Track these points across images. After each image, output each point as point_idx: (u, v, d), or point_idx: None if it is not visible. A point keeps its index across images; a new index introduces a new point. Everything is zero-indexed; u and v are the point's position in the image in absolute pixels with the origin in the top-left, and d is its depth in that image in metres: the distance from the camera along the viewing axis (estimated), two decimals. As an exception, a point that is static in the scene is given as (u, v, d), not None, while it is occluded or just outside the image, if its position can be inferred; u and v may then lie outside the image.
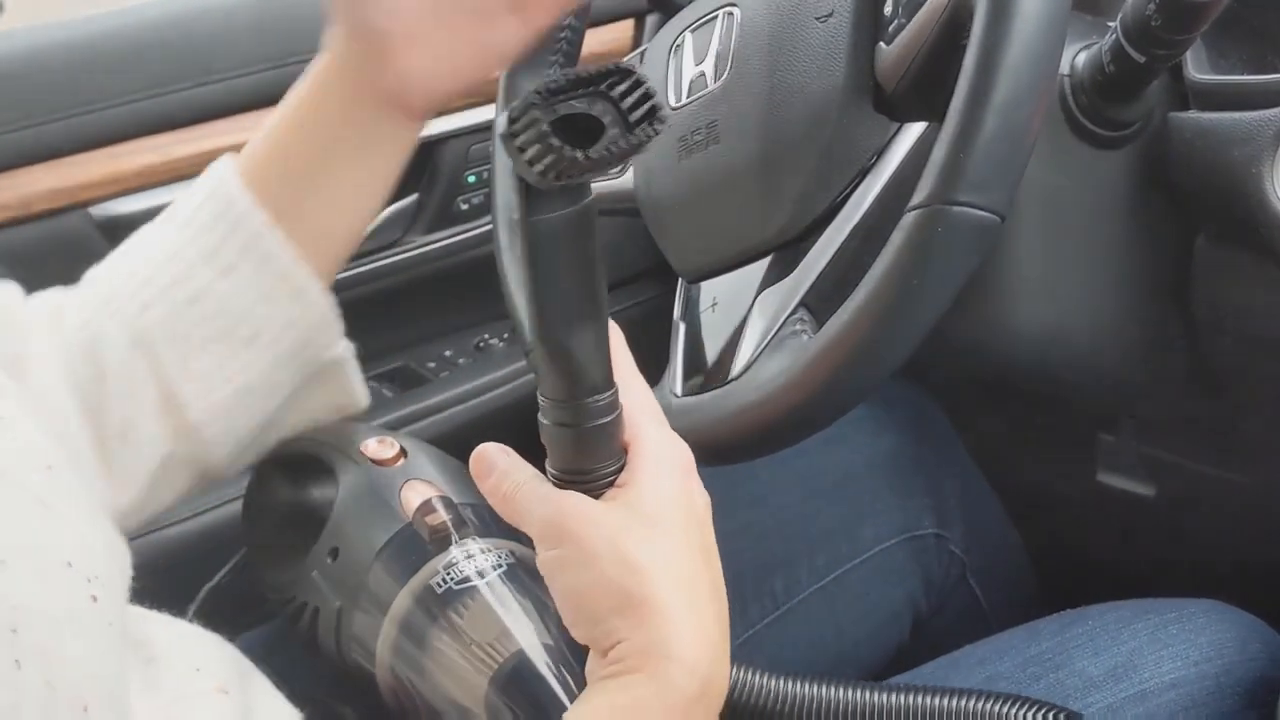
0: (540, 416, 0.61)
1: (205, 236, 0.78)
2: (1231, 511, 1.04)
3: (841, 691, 0.74)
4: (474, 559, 0.77)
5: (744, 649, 1.01)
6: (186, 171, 1.23)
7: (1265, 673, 0.83)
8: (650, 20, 1.36)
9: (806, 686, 0.75)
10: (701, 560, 0.60)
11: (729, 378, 0.81)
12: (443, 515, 0.78)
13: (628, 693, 0.57)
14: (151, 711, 0.61)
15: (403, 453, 0.85)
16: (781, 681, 0.75)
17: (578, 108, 0.52)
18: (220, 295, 0.78)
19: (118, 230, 1.20)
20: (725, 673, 0.60)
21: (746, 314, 0.82)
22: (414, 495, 0.80)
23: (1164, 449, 1.05)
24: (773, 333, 0.79)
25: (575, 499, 0.60)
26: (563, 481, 0.61)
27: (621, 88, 0.53)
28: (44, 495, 0.60)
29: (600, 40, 1.37)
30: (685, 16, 0.93)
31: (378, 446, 0.85)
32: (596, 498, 0.60)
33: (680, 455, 0.62)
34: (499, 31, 0.75)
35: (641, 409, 0.62)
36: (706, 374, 0.85)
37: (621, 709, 0.57)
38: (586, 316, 0.58)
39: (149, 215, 1.20)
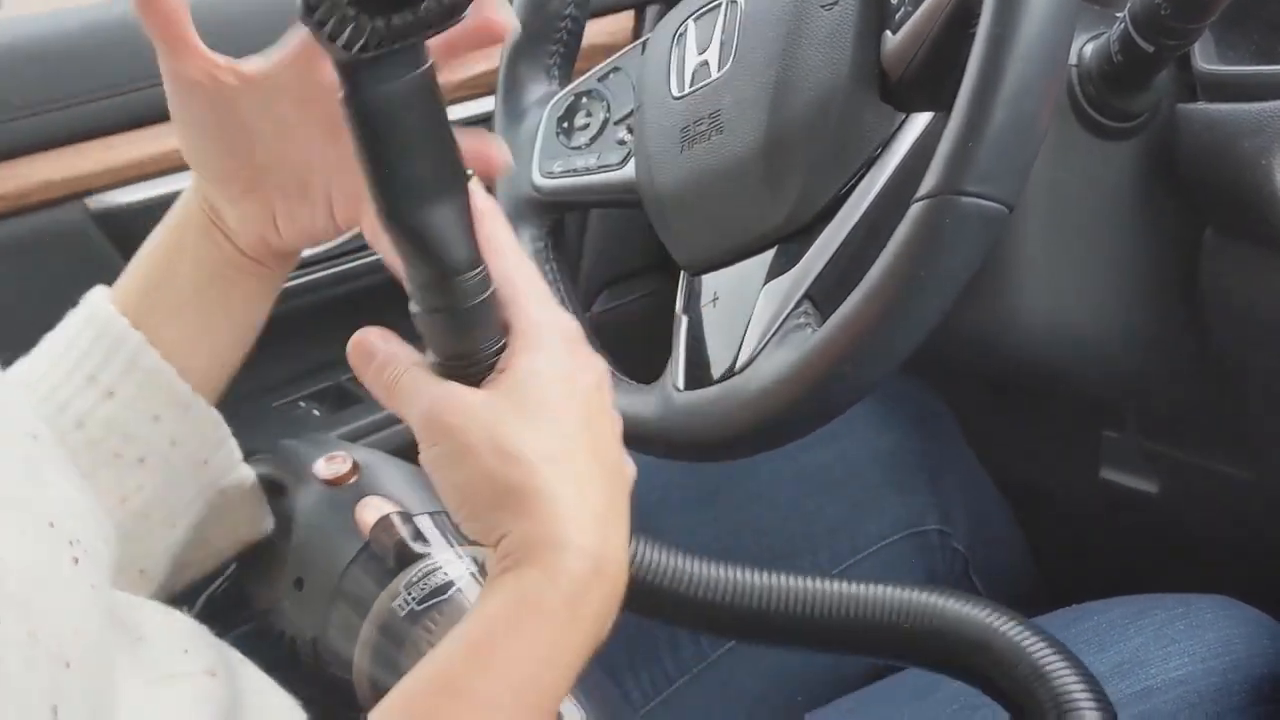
0: (410, 306, 0.59)
1: (86, 361, 0.77)
2: (1237, 507, 1.04)
3: (739, 573, 0.72)
4: (437, 573, 0.75)
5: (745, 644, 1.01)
6: (182, 163, 1.22)
7: (1273, 670, 0.83)
8: (651, 12, 1.36)
9: (707, 567, 0.72)
10: (587, 438, 0.59)
11: (732, 372, 0.80)
12: (400, 531, 0.77)
13: (520, 587, 0.56)
14: (139, 688, 0.61)
15: (355, 468, 0.83)
16: (684, 560, 0.72)
17: None
18: (105, 418, 0.76)
19: (114, 221, 1.20)
20: (620, 549, 0.59)
21: (750, 307, 0.81)
22: (370, 513, 0.79)
23: (1169, 444, 1.04)
24: (776, 326, 0.78)
25: (451, 391, 0.59)
26: (444, 368, 0.60)
27: None
28: (29, 458, 0.60)
29: (601, 31, 1.36)
30: (688, 4, 0.93)
31: (327, 465, 0.83)
32: (478, 384, 0.59)
33: (561, 329, 0.61)
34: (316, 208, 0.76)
35: (517, 285, 0.61)
36: (709, 368, 0.84)
37: (516, 606, 0.56)
38: (434, 193, 0.56)
39: (145, 206, 1.22)
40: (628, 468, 0.64)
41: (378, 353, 0.62)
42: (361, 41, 0.50)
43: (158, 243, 0.80)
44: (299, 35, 0.73)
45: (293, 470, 0.84)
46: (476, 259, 0.58)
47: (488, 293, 0.58)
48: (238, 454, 0.82)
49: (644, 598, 0.70)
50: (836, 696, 0.94)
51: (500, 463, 0.57)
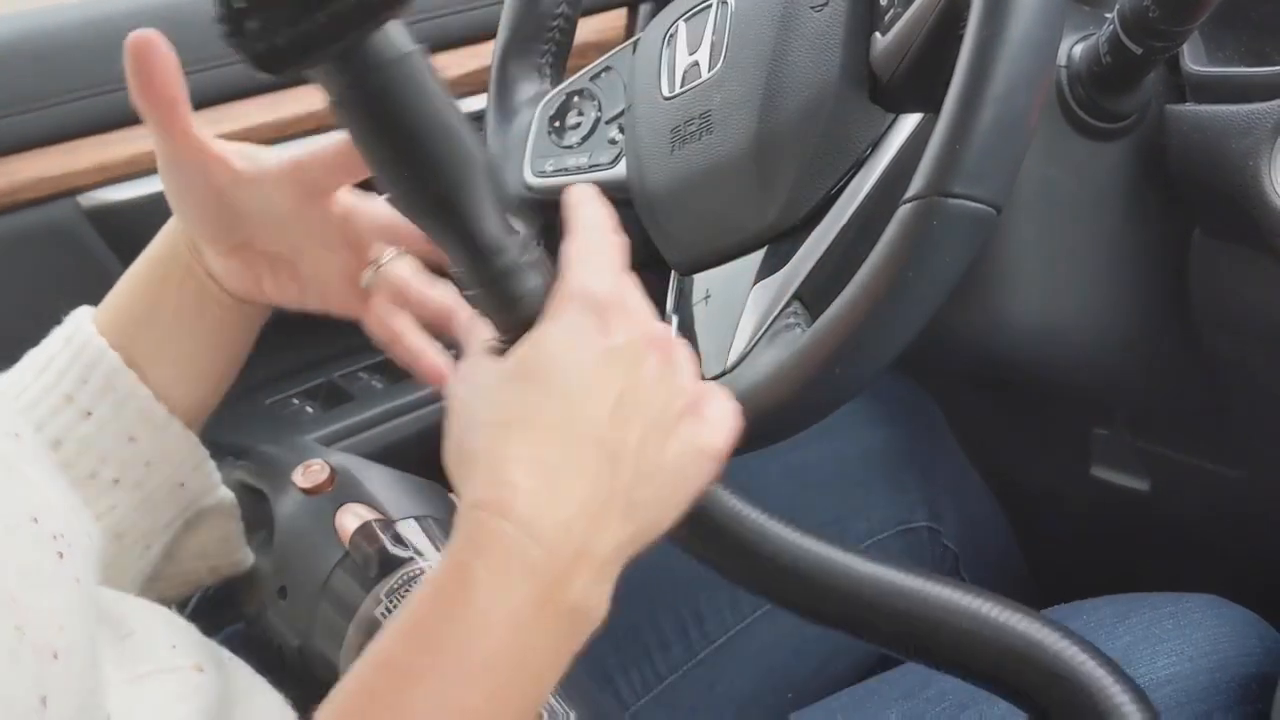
0: (460, 290, 0.59)
1: (64, 380, 0.77)
2: (1227, 505, 1.04)
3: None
4: (418, 579, 0.75)
5: (736, 641, 1.01)
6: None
7: (1261, 668, 0.83)
8: (644, 9, 1.36)
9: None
10: (571, 401, 0.55)
11: (722, 371, 0.80)
12: (380, 538, 0.77)
13: (453, 556, 0.54)
14: (126, 682, 0.61)
15: (333, 476, 0.83)
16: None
17: None
18: (81, 437, 0.76)
19: (106, 218, 1.20)
20: (568, 515, 0.54)
21: (740, 307, 0.81)
22: (349, 520, 0.79)
23: (1159, 443, 1.05)
24: (766, 325, 0.79)
25: (471, 363, 0.58)
26: (504, 345, 0.58)
27: None
28: (9, 456, 0.60)
29: (593, 29, 1.36)
30: (679, 5, 0.93)
31: (305, 474, 0.83)
32: None
33: (596, 296, 0.57)
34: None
35: (569, 256, 0.58)
36: (699, 367, 0.84)
37: (449, 576, 0.54)
38: (447, 173, 0.55)
39: (138, 203, 1.21)
40: (686, 442, 0.59)
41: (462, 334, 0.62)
42: (279, 57, 0.49)
43: (142, 269, 0.80)
44: (297, 147, 0.74)
45: (272, 478, 0.84)
46: (506, 227, 0.56)
47: (522, 261, 0.57)
48: (216, 476, 0.81)
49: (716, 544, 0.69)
50: (826, 694, 0.94)
51: (465, 426, 0.56)
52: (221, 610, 0.85)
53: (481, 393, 0.56)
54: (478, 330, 0.60)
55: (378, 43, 0.52)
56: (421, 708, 0.52)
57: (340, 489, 0.81)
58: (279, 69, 0.50)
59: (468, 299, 0.59)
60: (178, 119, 0.72)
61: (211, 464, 0.81)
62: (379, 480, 0.83)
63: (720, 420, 0.61)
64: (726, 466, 1.03)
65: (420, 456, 0.79)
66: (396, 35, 0.53)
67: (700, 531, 0.68)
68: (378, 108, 0.53)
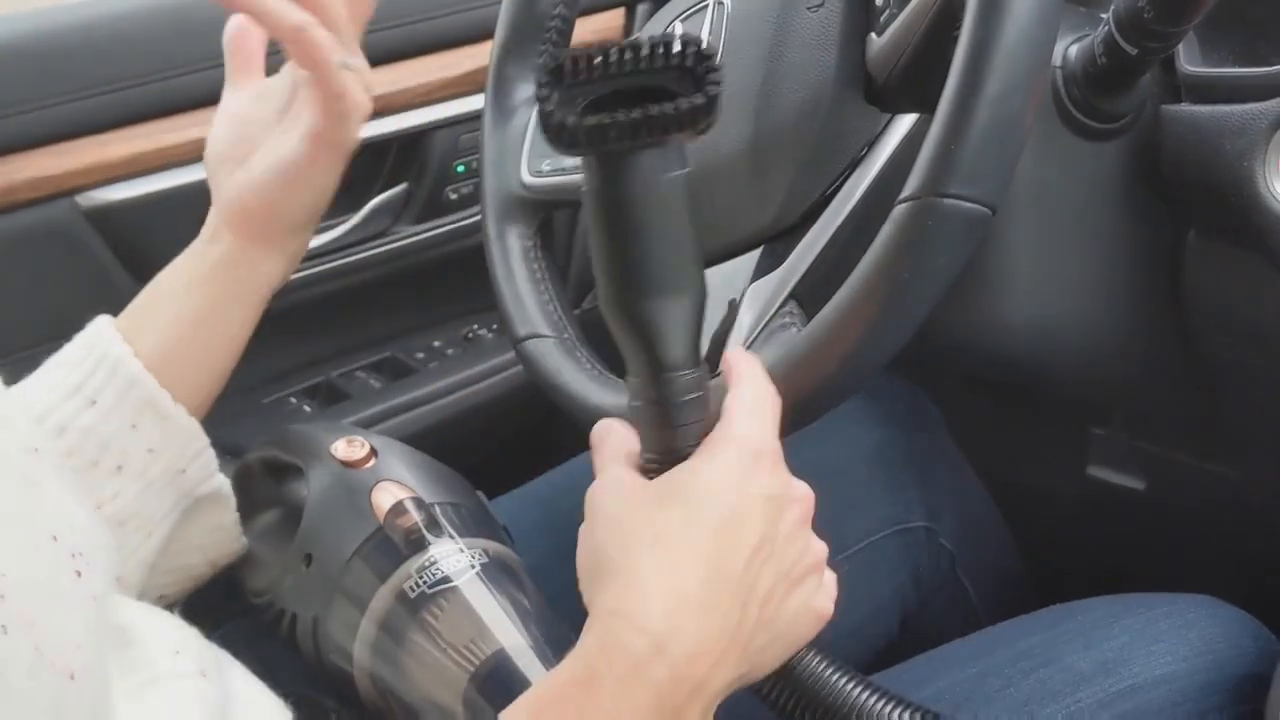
0: (628, 398, 0.61)
1: (75, 372, 0.79)
2: (1222, 505, 1.04)
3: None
4: (448, 560, 0.76)
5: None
6: (175, 159, 1.23)
7: (1255, 669, 0.83)
8: (641, 9, 1.36)
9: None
10: (710, 537, 0.58)
11: (718, 371, 0.80)
12: (414, 517, 0.78)
13: (583, 653, 0.56)
14: (129, 691, 0.61)
15: (373, 453, 0.83)
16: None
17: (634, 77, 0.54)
18: (84, 426, 0.77)
19: (104, 218, 1.20)
20: (698, 642, 0.57)
21: (736, 306, 0.82)
22: (385, 497, 0.80)
23: (1155, 442, 1.05)
24: (762, 325, 0.79)
25: (617, 474, 0.60)
26: (648, 462, 0.62)
27: (677, 50, 0.54)
28: (30, 473, 0.60)
29: (591, 29, 1.36)
30: (676, 5, 0.93)
31: (347, 448, 0.83)
32: None
33: (755, 446, 0.61)
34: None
35: (736, 400, 0.63)
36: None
37: (579, 671, 0.57)
38: (659, 290, 0.58)
39: (136, 203, 1.21)
40: (801, 603, 0.63)
41: (608, 437, 0.64)
42: (590, 140, 0.54)
43: (174, 280, 0.84)
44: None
45: (308, 451, 0.84)
46: (693, 360, 0.60)
47: (695, 395, 0.60)
48: (214, 464, 0.82)
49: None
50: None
51: (608, 536, 0.58)
52: (218, 606, 0.85)
53: (628, 505, 0.59)
54: (627, 442, 0.63)
55: (650, 158, 0.56)
56: None
57: (379, 467, 0.82)
58: (556, 145, 0.54)
59: (630, 409, 0.62)
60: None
61: (211, 452, 0.82)
62: (416, 463, 0.85)
63: (832, 586, 0.65)
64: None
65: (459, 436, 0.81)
66: (672, 155, 0.57)
67: (790, 689, 0.70)
68: (625, 211, 0.57)
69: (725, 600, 0.58)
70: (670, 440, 0.61)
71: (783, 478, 0.62)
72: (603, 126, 0.53)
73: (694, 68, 0.55)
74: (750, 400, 0.64)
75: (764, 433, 0.63)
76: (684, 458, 0.61)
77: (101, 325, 0.81)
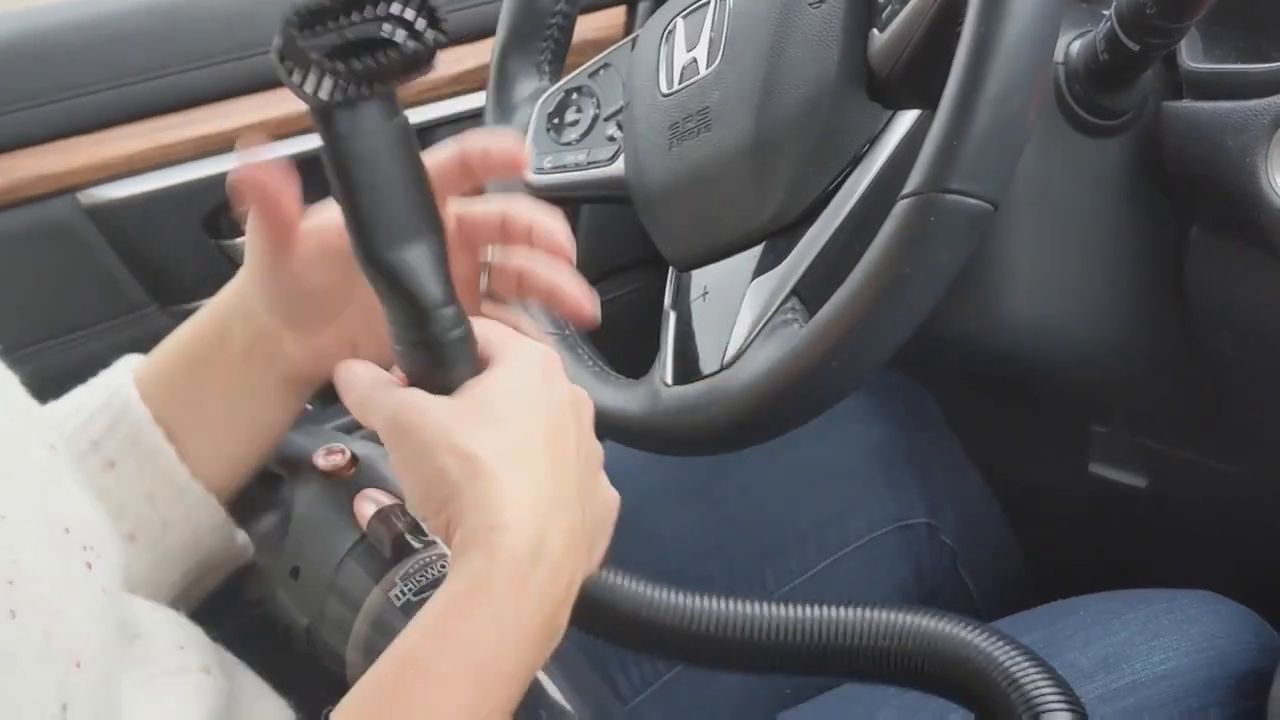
0: (391, 343, 0.62)
1: (92, 425, 0.77)
2: (1224, 502, 1.04)
3: (707, 602, 0.72)
4: (433, 566, 0.76)
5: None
6: (175, 157, 1.23)
7: (1256, 664, 0.83)
8: (642, 6, 1.36)
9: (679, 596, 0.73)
10: (544, 446, 0.60)
11: (720, 367, 0.80)
12: (397, 524, 0.77)
13: (469, 570, 0.58)
14: (135, 684, 0.62)
15: (354, 461, 0.82)
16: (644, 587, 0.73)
17: (351, 29, 0.55)
18: (103, 488, 0.75)
19: (105, 215, 1.20)
20: (565, 536, 0.60)
21: (738, 303, 0.82)
22: (367, 506, 0.79)
23: (1157, 439, 1.05)
24: (764, 321, 0.79)
25: (412, 395, 0.60)
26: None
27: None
28: (46, 467, 0.61)
29: (592, 26, 1.36)
30: (677, 2, 0.93)
31: (327, 458, 0.82)
32: None
33: (539, 357, 0.63)
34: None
35: (503, 323, 0.64)
36: (697, 363, 0.84)
37: (466, 588, 0.58)
38: (407, 236, 0.59)
39: (137, 200, 1.22)
40: (605, 495, 0.66)
41: (356, 377, 0.64)
42: (328, 87, 0.54)
43: (191, 337, 0.78)
44: None
45: (291, 461, 0.84)
46: (449, 297, 0.60)
47: (461, 329, 0.61)
48: (234, 534, 0.80)
49: (604, 620, 0.72)
50: (826, 690, 0.94)
51: (454, 459, 0.58)
52: (220, 607, 0.85)
53: (453, 426, 0.59)
54: (382, 374, 0.64)
55: (370, 109, 0.57)
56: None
57: (360, 475, 0.82)
58: (285, 68, 0.55)
59: (396, 354, 0.62)
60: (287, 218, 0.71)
61: (231, 526, 0.80)
62: None
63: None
64: (725, 463, 1.03)
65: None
66: (389, 105, 0.57)
67: (594, 612, 0.71)
68: (364, 159, 0.58)
69: (571, 497, 0.61)
70: (446, 377, 0.61)
71: (566, 384, 0.64)
72: (357, 71, 0.55)
73: (412, 19, 0.56)
74: (510, 334, 0.64)
75: (537, 345, 0.64)
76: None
77: (123, 376, 0.77)
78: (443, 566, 0.76)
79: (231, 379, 0.77)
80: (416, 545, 0.77)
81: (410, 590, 0.75)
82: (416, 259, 0.59)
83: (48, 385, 0.77)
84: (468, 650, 0.58)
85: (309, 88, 0.54)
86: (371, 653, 0.75)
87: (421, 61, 0.56)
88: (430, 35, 0.56)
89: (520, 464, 0.59)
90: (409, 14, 0.56)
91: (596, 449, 0.66)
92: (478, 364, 0.61)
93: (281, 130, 1.26)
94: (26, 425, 0.64)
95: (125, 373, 0.78)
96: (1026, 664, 0.68)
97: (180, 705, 0.65)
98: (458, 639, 0.58)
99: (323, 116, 0.56)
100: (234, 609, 0.85)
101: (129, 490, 0.76)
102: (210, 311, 0.77)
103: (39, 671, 0.51)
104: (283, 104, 1.26)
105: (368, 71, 0.54)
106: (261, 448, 0.80)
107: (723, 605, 0.72)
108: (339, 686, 0.77)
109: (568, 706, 0.74)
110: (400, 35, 0.56)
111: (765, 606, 0.72)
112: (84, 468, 0.74)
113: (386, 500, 0.79)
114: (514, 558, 0.57)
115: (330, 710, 0.59)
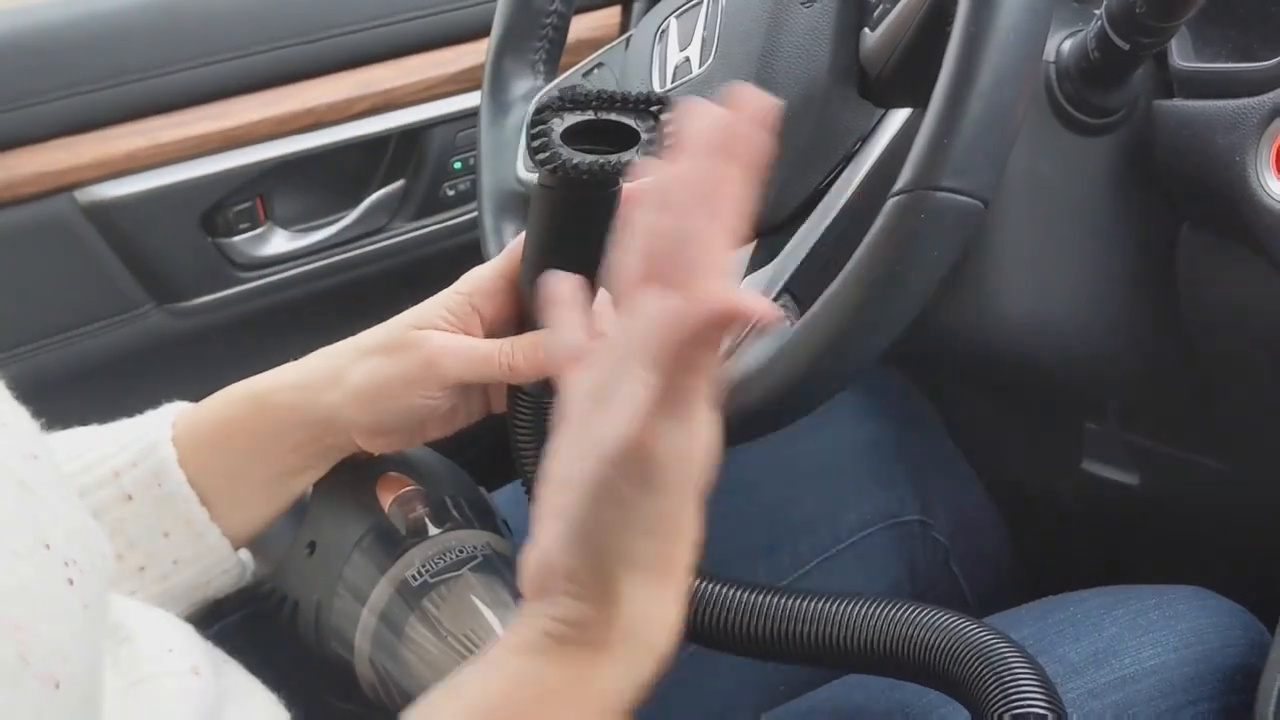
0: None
1: (116, 456, 0.77)
2: (1215, 499, 1.05)
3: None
4: (450, 551, 0.76)
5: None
6: (174, 155, 1.23)
7: (1245, 660, 0.83)
8: (636, 6, 1.36)
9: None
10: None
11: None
12: (418, 507, 0.78)
13: (577, 664, 0.57)
14: (123, 688, 0.62)
15: None
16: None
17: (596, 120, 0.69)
18: (118, 519, 0.76)
19: (103, 214, 1.20)
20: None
21: (730, 300, 0.82)
22: (390, 487, 0.80)
23: (1148, 436, 1.05)
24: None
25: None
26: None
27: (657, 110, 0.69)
28: (26, 479, 0.59)
29: (586, 26, 1.36)
30: (671, 2, 0.93)
31: None
32: None
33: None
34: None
35: None
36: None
37: (563, 682, 0.57)
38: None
39: (135, 199, 1.22)
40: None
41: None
42: (557, 175, 0.69)
43: (258, 421, 0.79)
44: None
45: None
46: None
47: None
48: (243, 576, 0.81)
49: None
50: (818, 685, 0.94)
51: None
52: (214, 603, 0.85)
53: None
54: None
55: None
56: None
57: (383, 458, 0.82)
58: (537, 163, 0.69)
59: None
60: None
61: (241, 566, 0.81)
62: (419, 455, 0.85)
63: None
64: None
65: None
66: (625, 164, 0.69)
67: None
68: (565, 214, 0.72)
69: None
70: None
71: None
72: (583, 168, 0.68)
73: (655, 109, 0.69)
74: None
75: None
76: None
77: (160, 421, 0.78)
78: (460, 552, 0.77)
79: (279, 464, 0.79)
80: (435, 531, 0.77)
81: (428, 572, 0.75)
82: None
83: (45, 382, 0.78)
84: None
85: (547, 170, 0.69)
86: (379, 639, 0.75)
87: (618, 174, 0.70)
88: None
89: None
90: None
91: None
92: None
93: (284, 128, 1.27)
94: (7, 435, 0.62)
95: (166, 417, 0.79)
96: (1013, 659, 0.68)
97: (162, 709, 0.64)
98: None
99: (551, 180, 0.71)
100: (230, 602, 0.86)
101: (143, 524, 0.77)
102: (271, 408, 0.79)
103: (16, 695, 0.49)
104: (280, 103, 1.27)
105: (592, 172, 0.68)
106: (288, 503, 0.81)
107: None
108: (338, 675, 0.78)
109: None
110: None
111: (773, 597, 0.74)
112: (100, 493, 0.75)
113: (407, 484, 0.80)
114: (640, 682, 0.59)
115: None
